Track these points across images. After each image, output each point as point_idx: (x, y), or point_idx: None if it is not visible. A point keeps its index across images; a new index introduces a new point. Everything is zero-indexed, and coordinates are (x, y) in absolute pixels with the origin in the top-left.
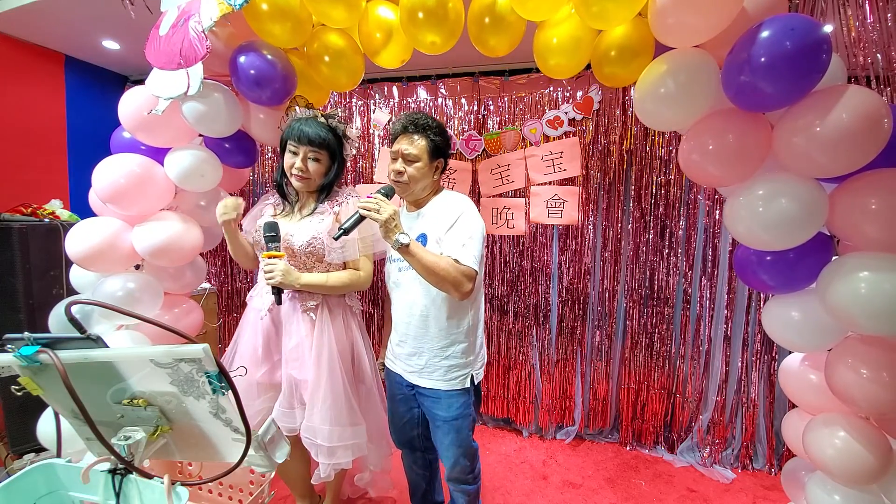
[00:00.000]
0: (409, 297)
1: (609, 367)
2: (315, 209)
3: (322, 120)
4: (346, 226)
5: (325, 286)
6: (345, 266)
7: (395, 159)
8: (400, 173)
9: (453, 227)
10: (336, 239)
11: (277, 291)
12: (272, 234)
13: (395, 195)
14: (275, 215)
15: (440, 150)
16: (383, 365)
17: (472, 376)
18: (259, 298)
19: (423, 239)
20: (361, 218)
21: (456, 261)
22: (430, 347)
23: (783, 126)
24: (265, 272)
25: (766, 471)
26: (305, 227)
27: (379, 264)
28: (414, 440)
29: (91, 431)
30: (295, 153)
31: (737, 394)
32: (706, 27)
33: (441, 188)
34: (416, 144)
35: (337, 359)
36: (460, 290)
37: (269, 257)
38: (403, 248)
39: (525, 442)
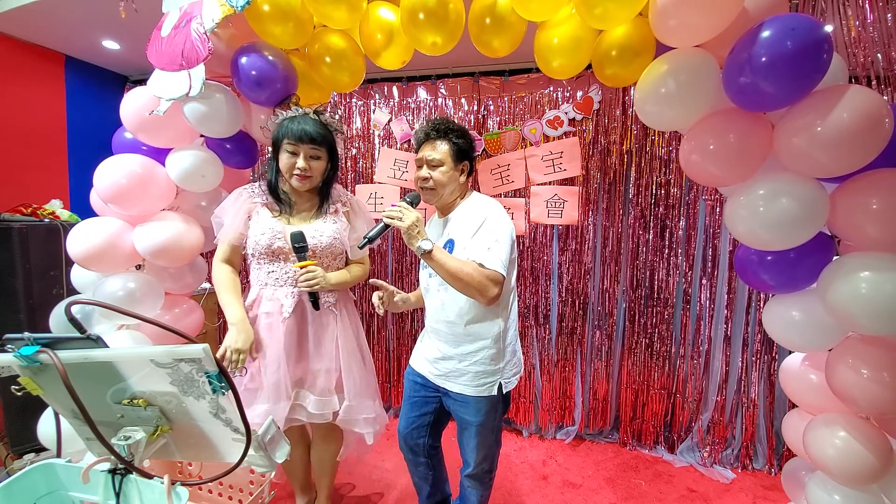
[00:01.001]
0: (437, 301)
1: (609, 367)
2: (325, 209)
3: (315, 117)
4: (370, 235)
5: (348, 282)
6: (346, 262)
7: (420, 167)
8: (426, 179)
9: (479, 231)
10: (361, 248)
11: (314, 297)
12: (303, 244)
13: (421, 203)
14: (274, 217)
15: (464, 152)
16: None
17: (501, 384)
18: (272, 302)
19: (450, 244)
20: (386, 226)
21: (481, 265)
22: (457, 353)
23: (784, 126)
24: (307, 281)
25: (766, 471)
26: (325, 229)
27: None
28: (418, 448)
29: (91, 431)
30: (294, 153)
31: (737, 394)
32: (707, 27)
33: (470, 192)
34: (439, 149)
35: (356, 345)
36: (486, 294)
37: (308, 265)
38: (426, 255)
39: (525, 442)
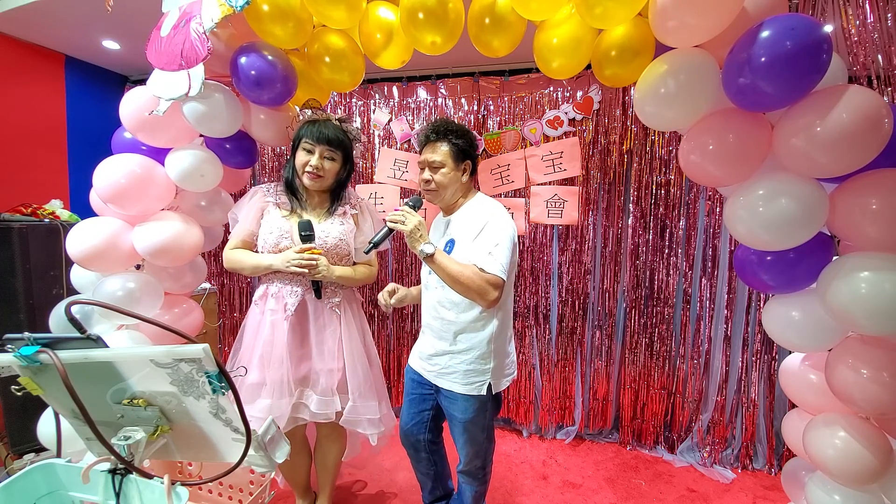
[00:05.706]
0: (434, 299)
1: (609, 367)
2: (334, 210)
3: (337, 123)
4: (375, 240)
5: (354, 279)
6: (353, 263)
7: (422, 169)
8: (428, 182)
9: (480, 235)
10: (367, 252)
11: (317, 286)
12: (309, 233)
13: (423, 206)
14: (283, 216)
15: (464, 152)
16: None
17: (491, 385)
18: (276, 299)
19: (451, 244)
20: (390, 231)
21: (481, 269)
22: (449, 350)
23: (783, 126)
24: (310, 267)
25: (766, 471)
26: (332, 230)
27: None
28: (419, 444)
29: (91, 431)
30: (310, 151)
31: (737, 394)
32: (706, 27)
33: (475, 192)
34: (439, 151)
35: (361, 346)
36: (486, 298)
37: (312, 253)
38: (428, 258)
39: (525, 442)
